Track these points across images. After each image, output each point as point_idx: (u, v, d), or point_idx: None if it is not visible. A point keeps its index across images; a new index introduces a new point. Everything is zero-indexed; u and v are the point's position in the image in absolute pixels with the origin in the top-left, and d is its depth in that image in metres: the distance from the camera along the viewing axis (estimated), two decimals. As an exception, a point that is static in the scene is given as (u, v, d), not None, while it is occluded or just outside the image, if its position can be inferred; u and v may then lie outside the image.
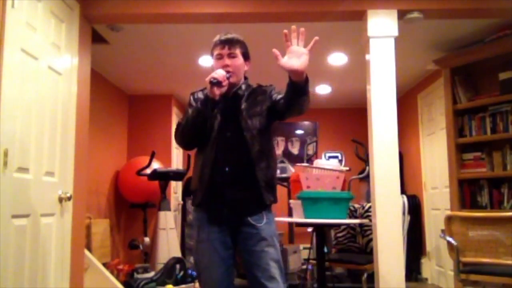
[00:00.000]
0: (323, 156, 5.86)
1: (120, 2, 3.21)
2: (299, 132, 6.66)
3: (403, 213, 3.37)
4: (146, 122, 5.91)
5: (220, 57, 2.11)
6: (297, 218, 3.22)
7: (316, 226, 3.51)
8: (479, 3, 3.19)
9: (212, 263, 2.01)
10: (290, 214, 3.95)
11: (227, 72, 2.04)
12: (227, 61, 2.09)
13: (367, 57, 3.29)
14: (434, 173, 5.03)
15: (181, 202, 6.17)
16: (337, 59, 4.58)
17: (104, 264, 4.10)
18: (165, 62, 4.70)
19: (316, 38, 1.85)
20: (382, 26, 3.20)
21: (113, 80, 5.33)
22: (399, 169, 3.13)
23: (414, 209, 5.16)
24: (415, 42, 4.09)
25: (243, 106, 2.09)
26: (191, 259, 4.84)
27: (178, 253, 4.89)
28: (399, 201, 3.16)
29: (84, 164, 3.17)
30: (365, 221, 3.64)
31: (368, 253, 3.89)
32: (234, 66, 2.09)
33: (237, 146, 2.05)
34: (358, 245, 4.13)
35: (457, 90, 4.12)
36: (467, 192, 4.03)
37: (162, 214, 5.00)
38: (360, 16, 3.27)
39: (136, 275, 4.32)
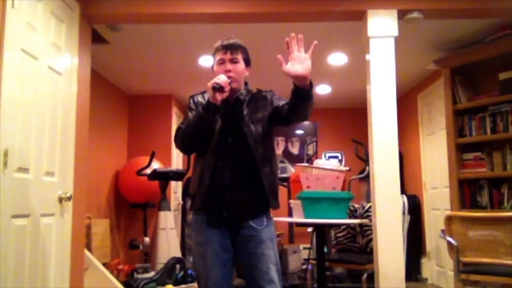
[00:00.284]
0: (323, 156, 5.87)
1: (120, 2, 3.21)
2: (299, 132, 6.67)
3: (403, 213, 3.37)
4: (146, 122, 5.91)
5: (222, 62, 2.10)
6: (297, 218, 3.22)
7: (316, 226, 3.52)
8: (479, 3, 3.19)
9: (211, 265, 2.00)
10: (290, 214, 3.95)
11: (229, 77, 2.03)
12: (229, 66, 2.08)
13: (367, 57, 3.29)
14: (434, 173, 5.03)
15: (181, 202, 6.17)
16: (337, 59, 4.58)
17: (104, 264, 4.10)
18: (165, 62, 4.70)
19: (315, 42, 1.87)
20: (382, 26, 3.20)
21: (113, 80, 5.33)
22: (399, 169, 3.13)
23: (414, 209, 5.16)
24: (415, 42, 4.09)
25: (245, 112, 2.09)
26: (191, 259, 4.84)
27: (178, 253, 4.89)
28: (399, 201, 3.16)
29: (84, 164, 3.17)
30: (365, 221, 3.64)
31: (368, 253, 3.89)
32: (235, 72, 2.09)
33: (238, 151, 2.05)
34: (358, 245, 4.13)
35: (457, 90, 4.12)
36: (467, 192, 4.03)
37: (162, 214, 5.00)
38: (360, 16, 3.27)
39: (136, 275, 4.33)
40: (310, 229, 4.76)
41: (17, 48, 2.33)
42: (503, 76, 3.81)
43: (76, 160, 3.00)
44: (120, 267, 4.43)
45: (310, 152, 6.05)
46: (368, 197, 4.30)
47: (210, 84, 1.95)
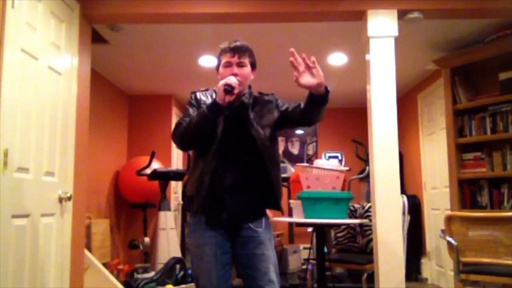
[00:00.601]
0: (323, 156, 5.87)
1: (120, 2, 3.21)
2: (299, 132, 6.67)
3: (403, 213, 3.37)
4: (146, 122, 5.91)
5: (228, 65, 2.07)
6: (297, 218, 3.22)
7: (316, 226, 3.51)
8: (479, 3, 3.19)
9: (210, 267, 2.00)
10: (290, 214, 3.94)
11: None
12: (236, 70, 2.05)
13: (367, 57, 3.29)
14: (434, 173, 5.03)
15: (181, 202, 6.16)
16: (337, 59, 4.57)
17: (104, 264, 4.10)
18: (165, 62, 4.70)
19: (313, 58, 1.96)
20: (382, 26, 3.20)
21: (113, 80, 5.33)
22: (399, 169, 3.13)
23: (414, 209, 5.16)
24: (415, 42, 4.09)
25: (252, 115, 2.08)
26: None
27: (178, 253, 4.88)
28: (399, 201, 3.16)
29: (84, 164, 3.16)
30: (365, 221, 3.64)
31: (368, 253, 3.89)
32: (242, 75, 2.06)
33: (240, 154, 2.05)
34: (358, 245, 4.13)
35: (457, 90, 4.12)
36: (467, 192, 4.03)
37: (162, 214, 5.00)
38: (360, 16, 3.27)
39: (136, 275, 4.33)
40: (310, 229, 4.77)
41: (17, 48, 2.34)
42: (503, 76, 3.81)
43: (76, 160, 3.00)
44: (120, 267, 4.43)
45: (310, 152, 6.05)
46: (368, 197, 4.30)
47: (221, 84, 1.93)
